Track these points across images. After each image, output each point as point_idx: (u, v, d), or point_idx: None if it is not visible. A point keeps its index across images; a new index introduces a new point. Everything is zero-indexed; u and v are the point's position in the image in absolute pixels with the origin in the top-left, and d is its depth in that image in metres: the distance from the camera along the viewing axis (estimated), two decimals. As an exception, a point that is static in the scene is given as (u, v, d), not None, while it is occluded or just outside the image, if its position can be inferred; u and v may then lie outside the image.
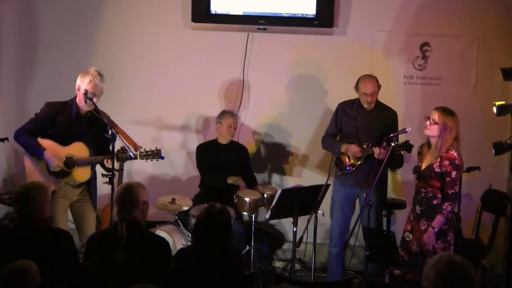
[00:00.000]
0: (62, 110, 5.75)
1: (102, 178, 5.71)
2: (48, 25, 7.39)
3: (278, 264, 7.09)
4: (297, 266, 6.41)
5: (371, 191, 5.55)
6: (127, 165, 6.89)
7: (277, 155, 7.40)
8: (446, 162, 5.30)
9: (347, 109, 6.33)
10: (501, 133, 6.64)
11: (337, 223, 6.34)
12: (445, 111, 5.37)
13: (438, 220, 5.29)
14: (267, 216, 6.34)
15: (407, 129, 5.70)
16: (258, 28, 7.15)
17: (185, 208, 6.26)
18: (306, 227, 5.98)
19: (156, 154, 5.66)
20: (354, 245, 6.40)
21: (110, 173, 5.57)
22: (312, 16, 7.04)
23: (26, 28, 7.39)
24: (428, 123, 5.38)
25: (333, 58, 7.25)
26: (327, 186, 6.12)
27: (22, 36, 7.40)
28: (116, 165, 5.59)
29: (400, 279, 5.41)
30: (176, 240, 6.11)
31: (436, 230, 5.29)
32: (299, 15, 7.08)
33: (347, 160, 6.21)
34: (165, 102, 7.36)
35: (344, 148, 6.20)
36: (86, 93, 5.62)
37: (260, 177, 7.19)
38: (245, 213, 6.43)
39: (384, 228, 6.48)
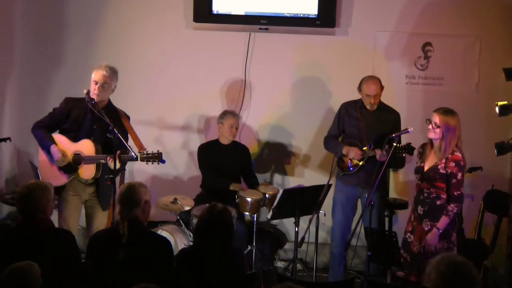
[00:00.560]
0: (78, 105, 5.78)
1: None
2: (48, 25, 7.40)
3: (279, 264, 7.09)
4: (299, 266, 6.41)
5: (372, 191, 5.55)
6: (129, 165, 6.88)
7: (279, 155, 7.40)
8: (452, 164, 5.29)
9: (350, 109, 6.32)
10: (504, 133, 6.64)
11: (338, 224, 6.34)
12: (445, 112, 5.35)
13: (443, 221, 5.29)
14: (269, 216, 6.34)
15: (409, 129, 5.69)
16: (260, 28, 7.14)
17: (187, 208, 6.26)
18: (308, 227, 5.98)
19: (156, 158, 5.62)
20: (356, 245, 6.40)
21: (112, 175, 5.58)
22: (314, 16, 7.04)
23: (26, 29, 7.39)
24: (430, 126, 5.37)
25: (335, 58, 7.25)
26: (329, 186, 6.12)
27: (24, 36, 7.41)
28: (118, 165, 5.58)
29: (402, 279, 5.40)
30: (178, 240, 6.11)
31: (440, 231, 5.29)
32: (301, 15, 7.07)
33: (349, 160, 6.21)
34: (166, 102, 7.36)
35: (345, 151, 6.19)
36: (88, 93, 5.64)
37: (261, 177, 7.19)
38: (246, 213, 6.43)
39: (386, 228, 6.47)
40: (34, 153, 6.92)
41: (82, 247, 4.91)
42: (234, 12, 7.12)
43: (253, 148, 7.27)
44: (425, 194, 5.43)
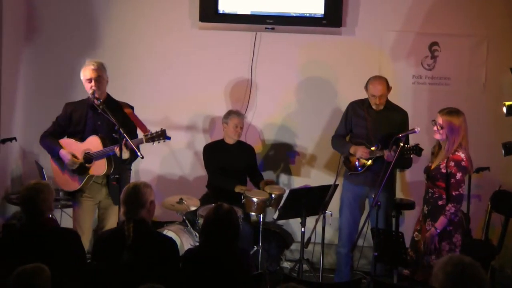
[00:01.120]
0: (78, 107, 5.79)
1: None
2: (54, 24, 7.40)
3: (286, 264, 7.07)
4: (305, 266, 6.40)
5: (379, 191, 5.53)
6: (134, 165, 6.88)
7: (284, 155, 7.38)
8: (452, 163, 5.27)
9: (357, 109, 6.31)
10: (511, 134, 6.60)
11: (346, 223, 6.32)
12: (449, 113, 5.32)
13: (441, 221, 5.27)
14: (275, 217, 6.32)
15: (415, 129, 5.67)
16: (266, 28, 7.13)
17: (193, 208, 6.25)
18: (314, 228, 5.96)
19: (161, 135, 5.57)
20: (362, 245, 6.38)
21: (126, 163, 5.61)
22: (320, 16, 7.02)
23: (32, 29, 7.40)
24: (435, 128, 5.35)
25: (341, 58, 7.23)
26: (335, 186, 6.11)
27: (29, 36, 7.41)
28: (127, 154, 5.53)
29: (409, 279, 5.39)
30: (184, 240, 6.10)
31: (438, 231, 5.27)
32: (307, 15, 7.06)
33: (357, 160, 6.19)
34: (172, 101, 7.35)
35: (353, 150, 6.18)
36: (93, 93, 5.62)
37: (267, 177, 7.16)
38: (252, 213, 6.42)
39: (393, 228, 6.45)
40: (39, 153, 6.95)
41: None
42: (240, 11, 7.11)
43: (258, 148, 7.26)
44: (430, 194, 5.43)
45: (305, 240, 6.00)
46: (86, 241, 5.55)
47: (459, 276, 3.36)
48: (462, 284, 3.36)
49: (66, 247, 4.39)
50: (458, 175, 5.27)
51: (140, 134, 5.71)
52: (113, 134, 5.44)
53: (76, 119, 5.76)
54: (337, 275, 6.46)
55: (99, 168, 5.64)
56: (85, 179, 5.64)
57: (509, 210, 6.47)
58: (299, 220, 6.14)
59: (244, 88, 7.32)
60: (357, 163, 6.19)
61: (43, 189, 4.48)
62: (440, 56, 7.15)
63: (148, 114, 7.16)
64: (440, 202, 5.34)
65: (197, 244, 5.78)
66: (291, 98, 7.32)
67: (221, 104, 7.31)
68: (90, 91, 5.63)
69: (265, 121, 7.39)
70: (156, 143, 5.58)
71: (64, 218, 6.69)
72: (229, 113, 6.79)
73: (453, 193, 5.28)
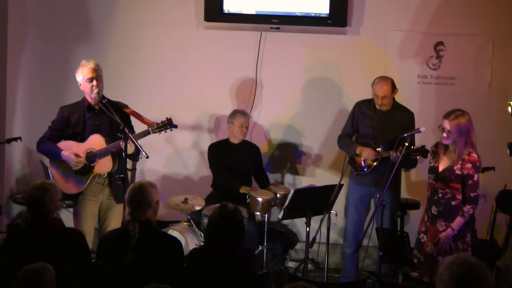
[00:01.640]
0: (74, 109, 5.73)
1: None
2: (58, 25, 7.40)
3: (291, 264, 7.07)
4: (310, 266, 6.39)
5: (384, 191, 5.52)
6: (140, 164, 6.90)
7: (290, 155, 7.38)
8: (469, 165, 5.26)
9: (364, 108, 6.29)
10: (516, 133, 6.60)
11: (351, 223, 6.32)
12: (456, 117, 5.29)
13: (458, 222, 5.27)
14: (280, 216, 6.31)
15: (421, 129, 5.67)
16: (271, 28, 7.13)
17: (198, 208, 6.25)
18: (319, 227, 5.96)
19: (167, 124, 5.55)
20: (367, 245, 6.37)
21: (132, 157, 5.58)
22: (325, 16, 7.02)
23: (37, 30, 7.40)
24: (444, 134, 5.33)
25: (347, 57, 7.22)
26: (341, 186, 6.10)
27: (34, 36, 7.42)
28: (133, 148, 5.51)
29: (416, 281, 5.37)
30: (189, 240, 6.09)
31: (455, 232, 5.26)
32: (312, 15, 7.05)
33: (363, 160, 6.18)
34: (177, 101, 7.35)
35: (359, 150, 6.16)
36: (98, 92, 5.60)
37: (273, 177, 7.18)
38: (257, 213, 6.42)
39: (398, 228, 6.44)
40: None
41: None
42: (245, 11, 7.11)
43: (264, 148, 7.25)
44: (440, 195, 5.39)
45: (310, 240, 5.99)
46: (89, 242, 5.52)
47: (465, 277, 3.34)
48: (468, 284, 3.34)
49: (71, 247, 4.40)
50: (475, 177, 5.28)
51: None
52: (118, 134, 5.41)
53: (74, 122, 5.69)
54: (342, 275, 6.45)
55: (104, 165, 5.60)
56: (89, 179, 5.63)
57: (514, 210, 6.46)
58: (304, 220, 6.14)
59: (249, 88, 7.32)
60: (363, 163, 6.18)
61: (49, 189, 4.49)
62: (445, 56, 7.13)
63: (153, 114, 7.12)
64: (453, 203, 5.33)
65: (202, 244, 5.78)
66: (296, 98, 7.32)
67: (226, 103, 7.31)
68: (95, 91, 5.59)
69: (270, 121, 7.38)
70: (163, 132, 5.57)
71: (66, 217, 6.67)
72: (235, 113, 6.79)
73: (471, 194, 5.28)
